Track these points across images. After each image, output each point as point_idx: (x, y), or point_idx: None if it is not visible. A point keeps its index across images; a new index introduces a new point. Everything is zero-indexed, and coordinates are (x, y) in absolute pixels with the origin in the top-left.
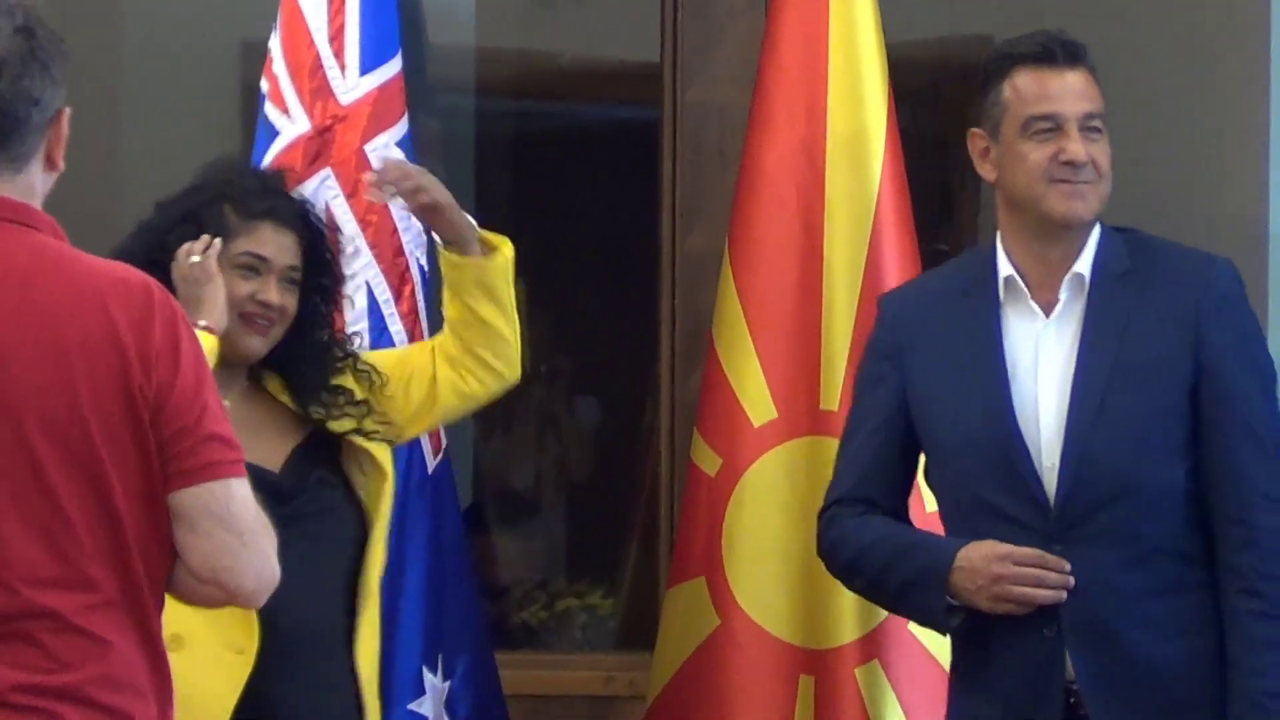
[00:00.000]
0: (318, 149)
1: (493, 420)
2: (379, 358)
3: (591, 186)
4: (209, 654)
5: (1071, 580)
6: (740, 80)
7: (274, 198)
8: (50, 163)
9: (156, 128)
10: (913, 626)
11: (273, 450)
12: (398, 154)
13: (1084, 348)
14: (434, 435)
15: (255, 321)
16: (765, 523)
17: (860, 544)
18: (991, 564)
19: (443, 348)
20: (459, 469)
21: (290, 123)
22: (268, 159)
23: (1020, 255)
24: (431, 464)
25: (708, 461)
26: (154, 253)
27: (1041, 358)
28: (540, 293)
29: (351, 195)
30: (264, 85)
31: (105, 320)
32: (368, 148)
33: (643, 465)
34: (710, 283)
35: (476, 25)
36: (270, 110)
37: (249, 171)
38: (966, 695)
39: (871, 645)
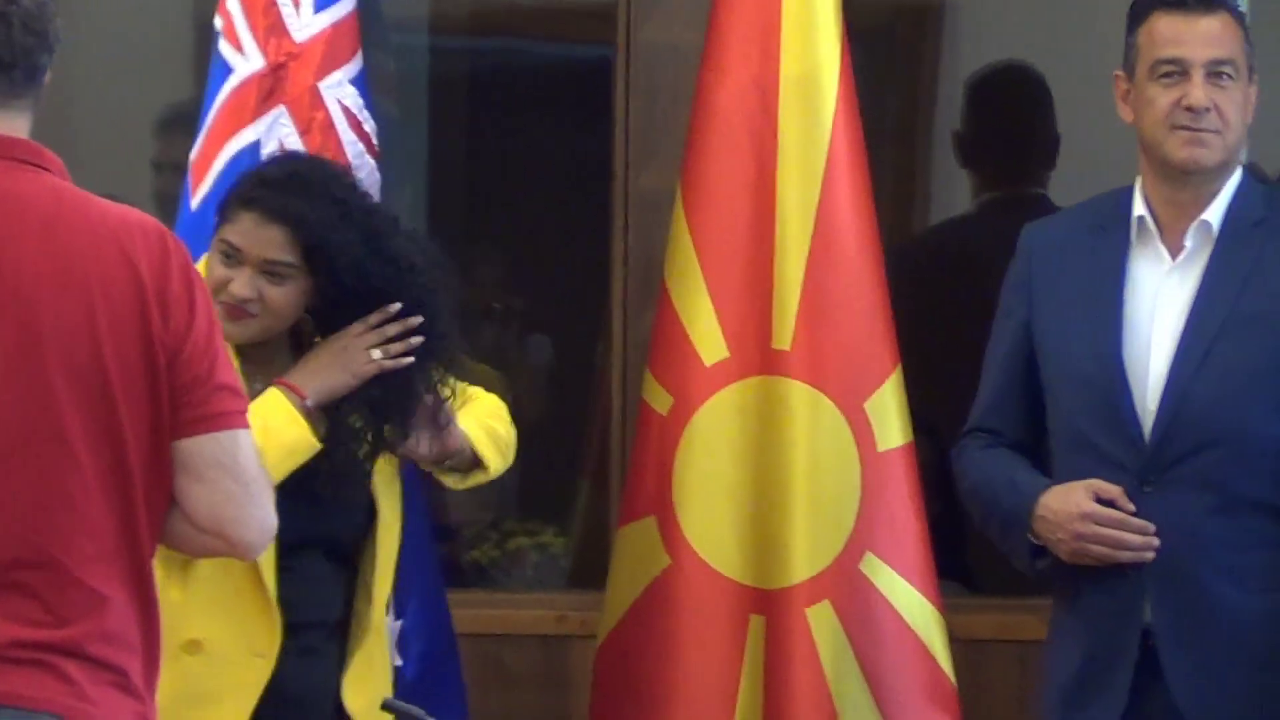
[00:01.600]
0: (271, 86)
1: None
2: None
3: (545, 125)
4: (230, 659)
5: (1156, 542)
6: (694, 20)
7: (264, 188)
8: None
9: (110, 66)
10: (864, 567)
11: None
12: (351, 92)
13: (1201, 294)
14: None
15: (230, 307)
16: (716, 462)
17: (972, 480)
18: (1074, 522)
19: None
20: None
21: (244, 60)
22: (220, 97)
23: (1154, 198)
24: None
25: (659, 400)
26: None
27: (1160, 301)
28: (492, 232)
29: (305, 133)
30: (218, 23)
31: (126, 264)
32: (321, 85)
33: (594, 404)
34: (663, 222)
35: None
36: (224, 48)
37: (283, 160)
38: (1056, 635)
39: (823, 585)
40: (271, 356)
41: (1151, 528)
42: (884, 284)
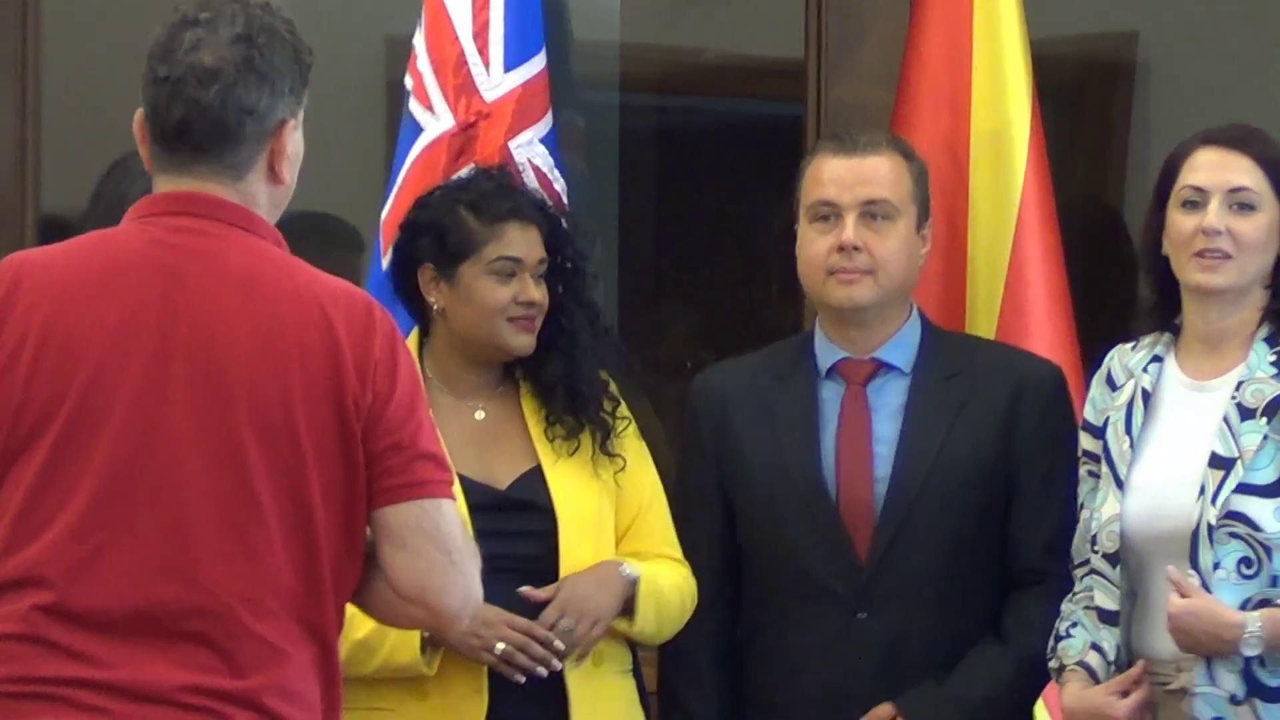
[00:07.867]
0: (462, 145)
1: (637, 416)
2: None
3: (735, 183)
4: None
5: None
6: (884, 78)
7: (514, 196)
8: (273, 175)
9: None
10: None
11: (507, 465)
12: (541, 150)
13: None
14: None
15: (521, 321)
16: None
17: None
18: None
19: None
20: None
21: (434, 119)
22: (411, 156)
23: None
24: None
25: None
26: (403, 278)
27: None
28: (683, 288)
29: None
30: (408, 82)
31: (325, 329)
32: (512, 144)
33: None
34: None
35: (621, 21)
36: (414, 107)
37: (479, 174)
38: None
39: None
40: (494, 385)
41: None
42: (1075, 343)
